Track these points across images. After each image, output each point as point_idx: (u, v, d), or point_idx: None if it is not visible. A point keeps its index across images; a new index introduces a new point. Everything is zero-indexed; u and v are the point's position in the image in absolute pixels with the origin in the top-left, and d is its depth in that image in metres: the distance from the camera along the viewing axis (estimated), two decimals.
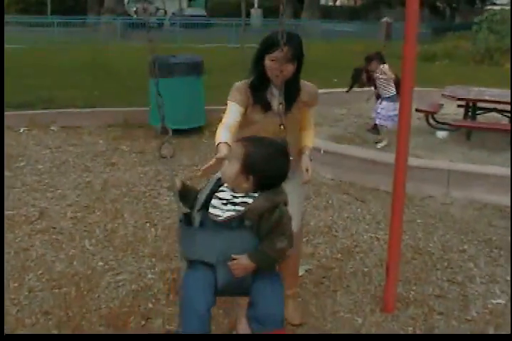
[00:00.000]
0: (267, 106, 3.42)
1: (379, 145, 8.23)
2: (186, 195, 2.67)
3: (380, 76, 8.16)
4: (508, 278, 4.61)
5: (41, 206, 5.89)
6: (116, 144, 8.44)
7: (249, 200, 2.50)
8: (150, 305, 4.08)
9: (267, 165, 2.55)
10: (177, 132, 8.94)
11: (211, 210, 2.54)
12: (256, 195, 2.52)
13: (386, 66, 8.14)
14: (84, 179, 6.82)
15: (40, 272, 4.53)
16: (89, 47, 20.67)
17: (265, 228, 2.46)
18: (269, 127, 3.39)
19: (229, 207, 2.51)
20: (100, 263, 4.70)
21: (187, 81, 8.66)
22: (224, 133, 3.26)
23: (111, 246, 5.01)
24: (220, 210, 2.52)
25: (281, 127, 3.37)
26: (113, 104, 10.51)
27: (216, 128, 3.39)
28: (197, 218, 2.55)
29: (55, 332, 3.73)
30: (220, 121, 3.47)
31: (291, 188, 3.55)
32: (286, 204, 2.58)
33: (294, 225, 3.65)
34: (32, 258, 4.76)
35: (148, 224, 5.44)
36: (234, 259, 2.46)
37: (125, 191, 6.40)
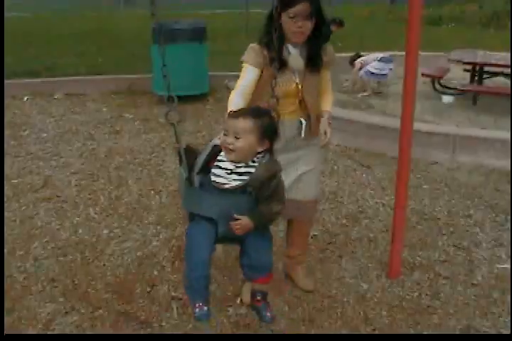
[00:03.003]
0: (283, 65, 3.35)
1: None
2: (189, 155, 2.83)
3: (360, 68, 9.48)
4: None
5: (45, 174, 5.89)
6: (120, 111, 8.40)
7: (252, 170, 2.71)
8: (155, 273, 4.09)
9: (274, 127, 2.81)
10: (180, 99, 8.87)
11: (214, 178, 2.72)
12: (256, 164, 2.73)
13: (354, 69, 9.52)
14: (88, 147, 6.80)
15: (45, 240, 4.53)
16: (93, 14, 20.50)
17: (264, 194, 2.71)
18: (287, 86, 3.34)
19: (234, 176, 2.70)
20: (105, 231, 4.70)
21: (190, 47, 8.54)
22: (236, 100, 3.24)
23: (115, 213, 5.01)
24: (225, 179, 2.71)
25: (299, 86, 3.34)
26: (117, 72, 10.44)
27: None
28: (196, 180, 2.75)
29: (61, 299, 3.75)
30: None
31: (310, 153, 3.53)
32: (281, 171, 2.82)
33: (313, 193, 3.65)
34: (37, 226, 4.76)
35: (152, 192, 5.43)
36: (236, 219, 2.69)
37: (129, 158, 6.38)
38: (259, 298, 3.03)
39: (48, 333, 3.42)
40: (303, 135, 3.46)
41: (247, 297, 3.74)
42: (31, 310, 3.64)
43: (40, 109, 8.52)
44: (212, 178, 2.73)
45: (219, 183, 2.71)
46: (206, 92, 9.00)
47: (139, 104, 8.78)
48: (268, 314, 3.02)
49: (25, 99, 9.05)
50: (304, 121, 3.45)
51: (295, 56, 3.35)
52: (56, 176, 5.84)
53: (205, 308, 2.80)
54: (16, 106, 8.58)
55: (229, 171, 2.72)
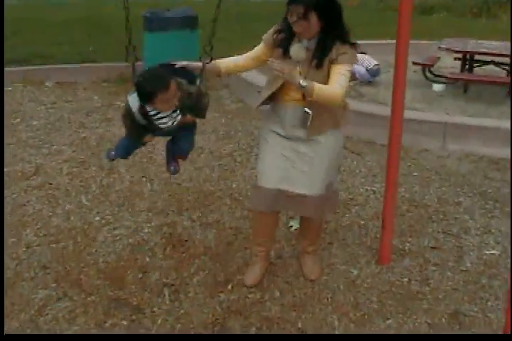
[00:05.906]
0: (285, 52, 3.36)
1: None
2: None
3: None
4: (503, 228, 4.65)
5: (37, 162, 5.88)
6: (111, 99, 8.36)
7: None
8: (147, 259, 4.12)
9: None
10: None
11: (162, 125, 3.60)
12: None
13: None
14: (79, 135, 6.78)
15: (37, 227, 4.55)
16: (85, 2, 20.35)
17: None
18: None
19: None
20: (97, 218, 4.72)
21: (181, 35, 8.51)
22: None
23: (107, 200, 5.03)
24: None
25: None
26: (108, 60, 10.38)
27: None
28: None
29: (53, 285, 3.77)
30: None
31: (314, 155, 3.49)
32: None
33: (316, 188, 3.53)
34: (29, 213, 4.77)
35: (144, 179, 5.45)
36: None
37: None
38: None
39: (41, 319, 3.45)
40: (308, 124, 3.41)
41: (249, 278, 3.79)
42: (24, 296, 3.67)
43: (31, 97, 8.48)
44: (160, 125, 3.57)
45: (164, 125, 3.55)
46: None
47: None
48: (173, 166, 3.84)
49: (10, 89, 8.96)
50: (309, 111, 3.39)
51: (297, 47, 3.33)
52: (47, 164, 5.83)
53: (115, 157, 3.82)
54: (7, 94, 8.52)
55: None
